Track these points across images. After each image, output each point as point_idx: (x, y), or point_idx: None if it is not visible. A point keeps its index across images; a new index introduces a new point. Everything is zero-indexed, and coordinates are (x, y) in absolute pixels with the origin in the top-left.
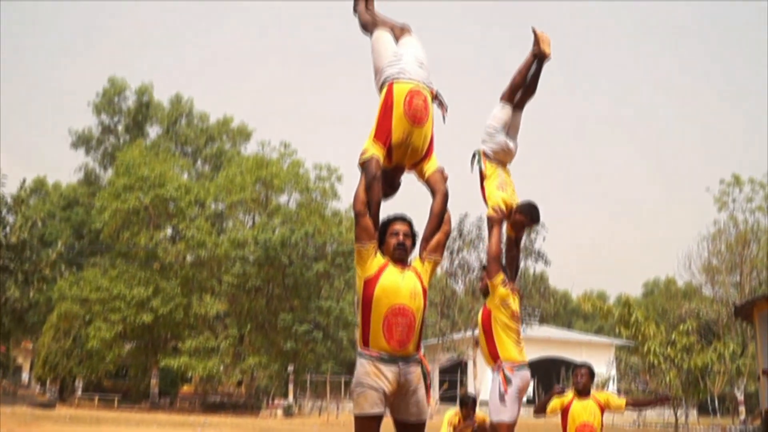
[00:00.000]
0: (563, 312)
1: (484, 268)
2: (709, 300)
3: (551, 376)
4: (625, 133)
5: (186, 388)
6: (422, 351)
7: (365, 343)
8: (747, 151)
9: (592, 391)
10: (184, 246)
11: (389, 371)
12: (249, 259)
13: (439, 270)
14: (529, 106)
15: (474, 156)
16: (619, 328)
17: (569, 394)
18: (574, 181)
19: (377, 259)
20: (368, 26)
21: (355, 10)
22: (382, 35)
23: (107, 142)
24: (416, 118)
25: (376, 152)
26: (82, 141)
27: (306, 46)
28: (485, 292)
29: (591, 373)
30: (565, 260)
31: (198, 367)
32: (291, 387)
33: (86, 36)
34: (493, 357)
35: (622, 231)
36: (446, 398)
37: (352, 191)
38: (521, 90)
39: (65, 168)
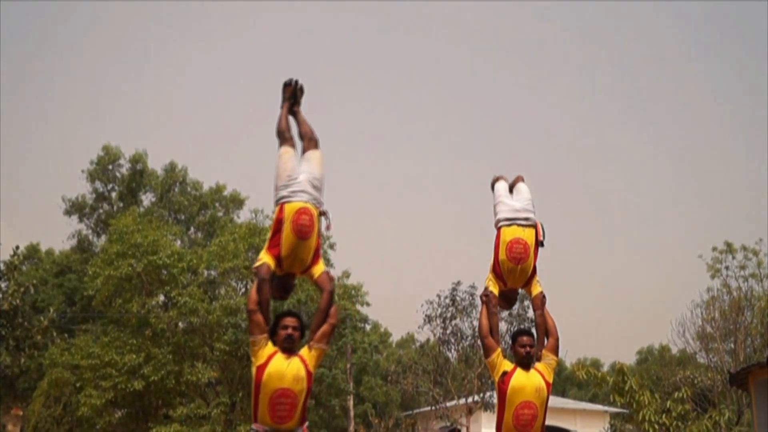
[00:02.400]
0: (557, 379)
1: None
2: (703, 367)
3: None
4: (617, 202)
5: None
6: (306, 424)
7: (254, 419)
8: (739, 219)
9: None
10: (176, 313)
11: None
12: (241, 326)
13: (432, 337)
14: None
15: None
16: (613, 396)
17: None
18: (564, 250)
19: (267, 349)
20: (280, 137)
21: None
22: (284, 154)
23: (101, 209)
24: (302, 234)
25: (267, 260)
26: (76, 208)
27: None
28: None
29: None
30: (558, 328)
31: None
32: None
33: (80, 103)
34: None
35: (615, 299)
36: None
37: (345, 259)
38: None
39: (58, 235)
